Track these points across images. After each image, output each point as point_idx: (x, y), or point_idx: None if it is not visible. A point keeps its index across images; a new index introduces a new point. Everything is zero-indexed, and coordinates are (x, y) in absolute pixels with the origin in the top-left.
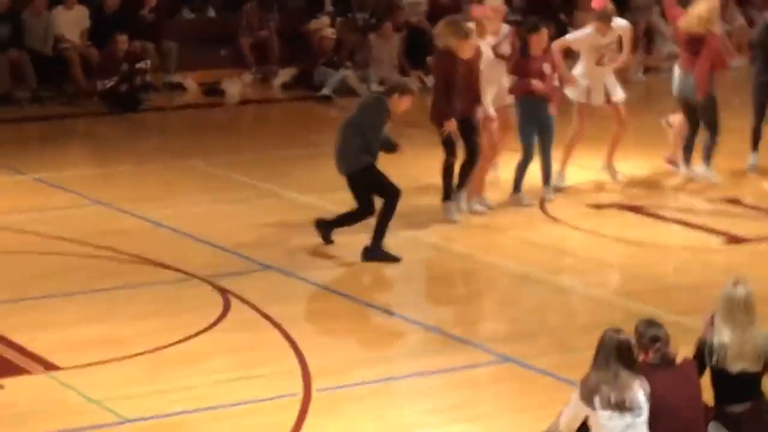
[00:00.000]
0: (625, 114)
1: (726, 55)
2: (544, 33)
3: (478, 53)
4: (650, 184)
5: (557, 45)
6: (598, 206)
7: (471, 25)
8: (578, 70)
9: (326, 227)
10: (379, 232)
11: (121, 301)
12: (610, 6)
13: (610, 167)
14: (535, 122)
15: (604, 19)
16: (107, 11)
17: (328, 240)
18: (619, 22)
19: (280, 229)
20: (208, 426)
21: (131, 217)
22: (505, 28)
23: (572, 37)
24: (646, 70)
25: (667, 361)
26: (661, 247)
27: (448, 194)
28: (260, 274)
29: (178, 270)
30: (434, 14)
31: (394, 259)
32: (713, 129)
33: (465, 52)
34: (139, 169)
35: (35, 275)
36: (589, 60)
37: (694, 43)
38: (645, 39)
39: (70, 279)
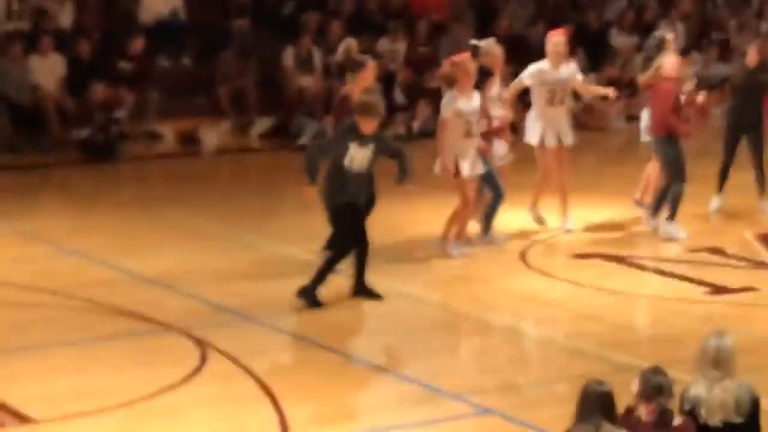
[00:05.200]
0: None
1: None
2: (493, 78)
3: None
4: (631, 233)
5: (512, 87)
6: (579, 256)
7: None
8: (532, 111)
9: (310, 293)
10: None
11: (97, 353)
12: (557, 37)
13: (534, 210)
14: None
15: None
16: (83, 59)
17: (319, 304)
18: (572, 67)
19: (257, 280)
20: None
21: (107, 267)
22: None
23: (525, 73)
24: (628, 118)
25: (664, 421)
26: (642, 297)
27: None
28: (238, 325)
29: (153, 321)
30: (412, 62)
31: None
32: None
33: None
34: (115, 220)
35: (10, 327)
36: (541, 99)
37: None
38: (628, 88)
39: (46, 330)
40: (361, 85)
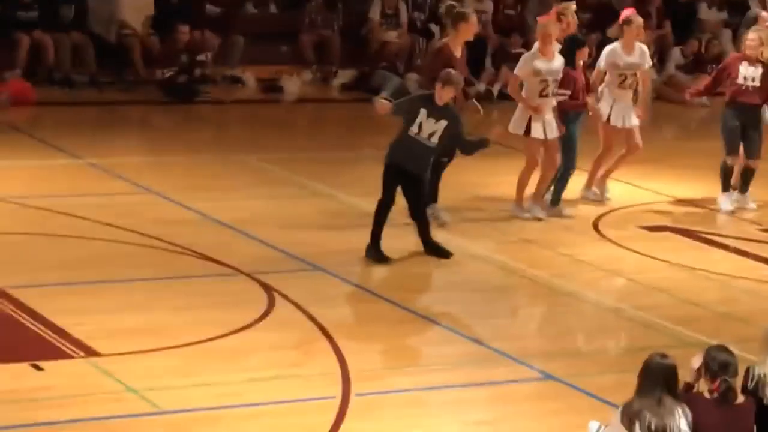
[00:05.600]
0: (639, 141)
1: None
2: (585, 49)
3: (464, 56)
4: (707, 209)
5: (594, 77)
6: (651, 228)
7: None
8: (602, 89)
9: (373, 248)
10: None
11: (165, 292)
12: (638, 19)
13: (601, 184)
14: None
15: (631, 28)
16: (172, 0)
17: (386, 260)
18: (645, 52)
19: (329, 230)
20: (242, 423)
21: (180, 207)
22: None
23: (601, 58)
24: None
25: (727, 399)
26: (713, 274)
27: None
28: (306, 273)
29: (223, 264)
30: (498, 24)
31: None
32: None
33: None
34: (191, 161)
35: (82, 260)
36: (612, 81)
37: None
38: (715, 64)
39: (116, 266)
40: (461, 38)
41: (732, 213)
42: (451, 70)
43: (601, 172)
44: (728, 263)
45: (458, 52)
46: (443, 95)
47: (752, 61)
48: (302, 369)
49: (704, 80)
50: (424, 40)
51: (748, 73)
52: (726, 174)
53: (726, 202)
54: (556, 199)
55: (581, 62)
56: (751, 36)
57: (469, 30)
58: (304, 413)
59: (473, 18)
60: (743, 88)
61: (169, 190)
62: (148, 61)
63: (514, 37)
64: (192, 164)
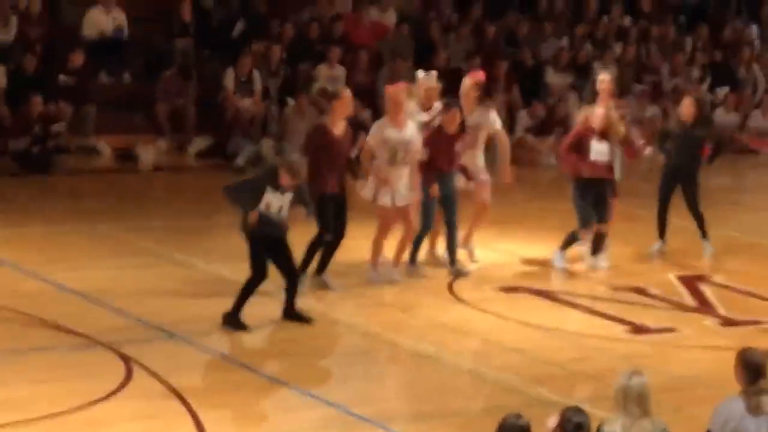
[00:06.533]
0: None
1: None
2: (456, 112)
3: (348, 132)
4: (558, 269)
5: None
6: (506, 289)
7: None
8: None
9: (233, 317)
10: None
11: (20, 365)
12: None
13: (467, 246)
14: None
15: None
16: (26, 71)
17: (244, 328)
18: (491, 113)
19: (186, 298)
20: None
21: (35, 279)
22: (437, 105)
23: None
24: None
25: None
26: (565, 333)
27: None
28: (164, 342)
29: (80, 335)
30: (352, 90)
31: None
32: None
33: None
34: (46, 232)
35: None
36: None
37: None
38: (561, 126)
39: None
40: (338, 116)
41: (564, 270)
42: (295, 161)
43: (465, 232)
44: (580, 322)
45: (338, 129)
46: (285, 181)
47: (601, 137)
48: None
49: (569, 156)
50: (278, 107)
51: (599, 149)
52: (571, 238)
53: (559, 259)
54: (411, 259)
55: (446, 126)
56: (598, 111)
57: (345, 106)
58: None
59: (346, 93)
60: (596, 164)
61: (25, 262)
62: (0, 133)
63: (361, 106)
64: (47, 235)
